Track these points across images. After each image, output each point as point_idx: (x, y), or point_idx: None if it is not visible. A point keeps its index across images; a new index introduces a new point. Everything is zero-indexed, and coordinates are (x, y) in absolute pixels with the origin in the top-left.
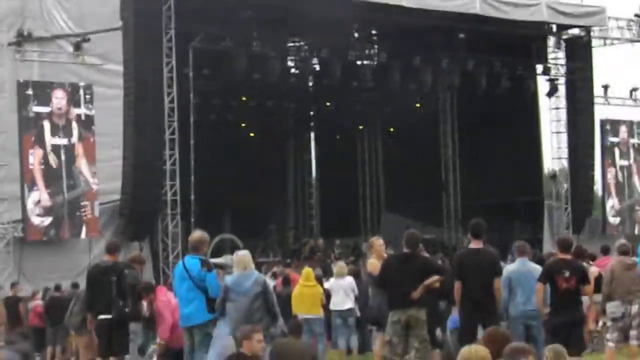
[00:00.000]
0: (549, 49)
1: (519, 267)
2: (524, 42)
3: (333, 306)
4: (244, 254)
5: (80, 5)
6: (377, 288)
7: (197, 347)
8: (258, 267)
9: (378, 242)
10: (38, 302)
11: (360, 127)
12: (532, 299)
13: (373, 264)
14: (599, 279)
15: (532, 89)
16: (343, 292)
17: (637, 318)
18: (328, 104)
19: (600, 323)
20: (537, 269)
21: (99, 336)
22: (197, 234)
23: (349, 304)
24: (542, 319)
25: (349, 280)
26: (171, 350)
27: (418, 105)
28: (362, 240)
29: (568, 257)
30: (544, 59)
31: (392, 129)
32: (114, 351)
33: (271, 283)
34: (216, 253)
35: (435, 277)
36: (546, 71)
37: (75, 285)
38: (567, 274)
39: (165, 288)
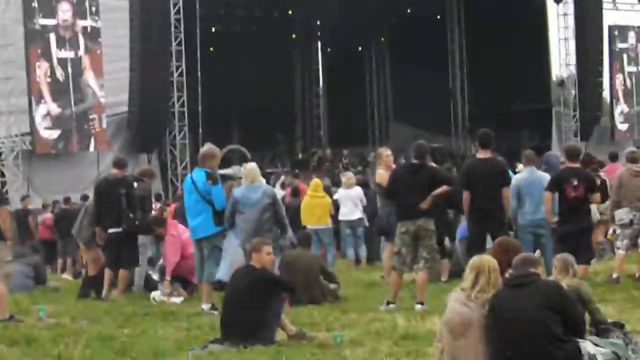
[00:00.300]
0: None
1: (527, 176)
2: None
3: (342, 216)
4: (251, 167)
5: None
6: (385, 199)
7: (205, 259)
8: (266, 177)
9: (386, 152)
10: (48, 215)
11: (367, 34)
12: (541, 208)
13: (381, 175)
14: (603, 187)
15: None
16: (351, 202)
17: None
18: (335, 13)
19: (610, 230)
20: (546, 177)
21: (108, 249)
22: (205, 147)
23: (357, 214)
24: (550, 228)
25: (357, 190)
26: (179, 278)
27: (425, 13)
28: (370, 150)
29: (576, 165)
30: None
31: (398, 38)
32: (123, 264)
33: (280, 193)
34: (224, 164)
35: (444, 188)
36: None
37: (84, 198)
38: (575, 182)
39: (177, 222)
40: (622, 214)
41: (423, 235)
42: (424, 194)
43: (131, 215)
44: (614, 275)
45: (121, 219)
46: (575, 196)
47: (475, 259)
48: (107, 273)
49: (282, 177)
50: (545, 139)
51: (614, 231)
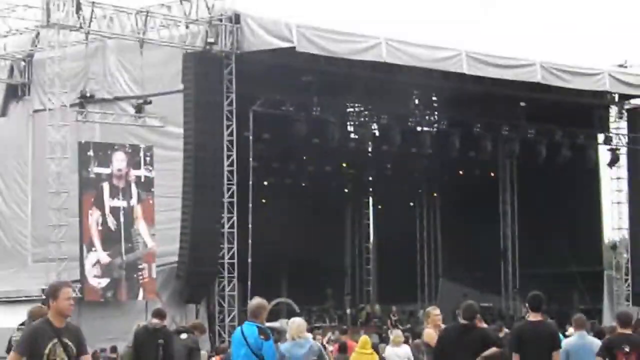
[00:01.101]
0: (611, 119)
1: (577, 340)
2: (585, 111)
3: None
4: (298, 323)
5: (142, 67)
6: (434, 359)
7: None
8: (314, 332)
9: (435, 312)
10: None
11: (419, 191)
12: None
13: (429, 334)
14: None
15: (593, 158)
16: None
17: None
18: (387, 169)
19: None
20: (596, 343)
21: None
22: (256, 300)
23: None
24: None
25: (406, 348)
26: None
27: (477, 172)
28: (419, 307)
29: (628, 331)
30: (605, 129)
31: (450, 196)
32: None
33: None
34: (272, 317)
35: (493, 349)
36: (608, 141)
37: (113, 349)
38: (627, 349)
39: None
40: None
41: None
42: (473, 356)
43: None
44: None
45: None
46: None
47: None
48: None
49: (330, 335)
50: (596, 303)
51: None
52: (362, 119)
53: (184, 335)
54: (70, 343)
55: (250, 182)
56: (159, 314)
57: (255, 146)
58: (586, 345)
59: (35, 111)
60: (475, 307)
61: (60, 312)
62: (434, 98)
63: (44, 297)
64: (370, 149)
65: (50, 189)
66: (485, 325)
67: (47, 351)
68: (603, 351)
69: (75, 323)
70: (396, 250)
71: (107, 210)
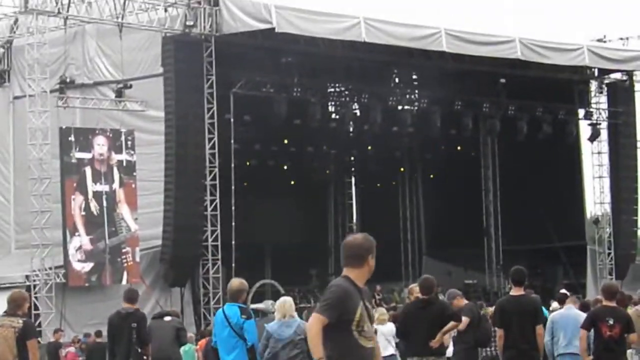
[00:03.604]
0: (591, 94)
1: (562, 312)
2: (565, 86)
3: None
4: (285, 301)
5: (122, 52)
6: (399, 337)
7: None
8: (299, 312)
9: (417, 289)
10: (71, 350)
11: (401, 170)
12: (574, 343)
13: None
14: None
15: (574, 133)
16: (384, 338)
17: None
18: (369, 149)
19: None
20: (581, 315)
21: None
22: (235, 282)
23: (390, 350)
24: None
25: (390, 326)
26: None
27: (459, 149)
28: (403, 286)
29: (613, 304)
30: (586, 104)
31: (432, 174)
32: None
33: None
34: (257, 298)
35: (452, 324)
36: (588, 116)
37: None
38: (611, 321)
39: None
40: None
41: None
42: (434, 330)
43: (139, 350)
44: None
45: (130, 353)
46: (611, 335)
47: None
48: None
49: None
50: (580, 276)
51: None
52: (343, 99)
53: (167, 318)
54: (369, 306)
55: (233, 164)
56: (130, 298)
57: (237, 128)
58: (571, 317)
59: (16, 97)
60: (431, 280)
61: (371, 272)
62: (414, 76)
63: (357, 253)
64: (351, 129)
65: (32, 175)
66: (465, 302)
67: (357, 317)
68: (587, 323)
69: (60, 309)
70: (379, 230)
71: (89, 195)
